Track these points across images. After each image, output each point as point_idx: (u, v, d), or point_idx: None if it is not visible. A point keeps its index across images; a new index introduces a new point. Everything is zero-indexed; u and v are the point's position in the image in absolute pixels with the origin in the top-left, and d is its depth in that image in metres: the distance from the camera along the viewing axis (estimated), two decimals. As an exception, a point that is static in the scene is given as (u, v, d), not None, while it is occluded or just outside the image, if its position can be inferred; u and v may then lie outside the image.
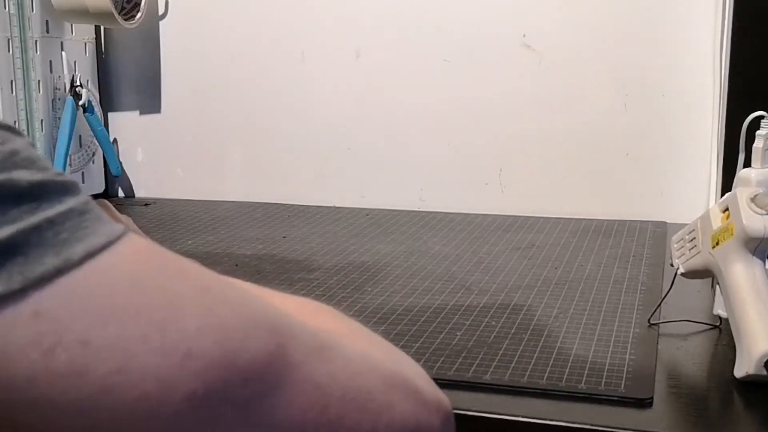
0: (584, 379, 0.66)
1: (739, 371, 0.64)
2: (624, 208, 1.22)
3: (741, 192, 0.70)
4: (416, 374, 0.45)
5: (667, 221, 1.17)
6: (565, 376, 0.67)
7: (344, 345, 0.41)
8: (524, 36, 1.24)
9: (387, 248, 1.07)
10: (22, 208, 0.32)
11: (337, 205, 1.32)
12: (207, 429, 0.34)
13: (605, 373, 0.67)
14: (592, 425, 0.60)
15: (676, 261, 0.77)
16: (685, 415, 0.62)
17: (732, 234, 0.69)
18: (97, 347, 0.32)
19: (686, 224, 0.77)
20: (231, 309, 0.36)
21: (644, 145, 1.22)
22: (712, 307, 0.78)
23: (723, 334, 0.75)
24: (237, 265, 1.00)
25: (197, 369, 0.33)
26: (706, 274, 0.73)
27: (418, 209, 1.28)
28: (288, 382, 0.36)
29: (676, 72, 1.19)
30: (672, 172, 1.21)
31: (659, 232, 1.12)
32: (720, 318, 0.76)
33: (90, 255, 0.33)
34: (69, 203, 0.34)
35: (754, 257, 0.68)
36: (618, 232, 1.13)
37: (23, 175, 0.33)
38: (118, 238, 0.34)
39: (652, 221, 1.17)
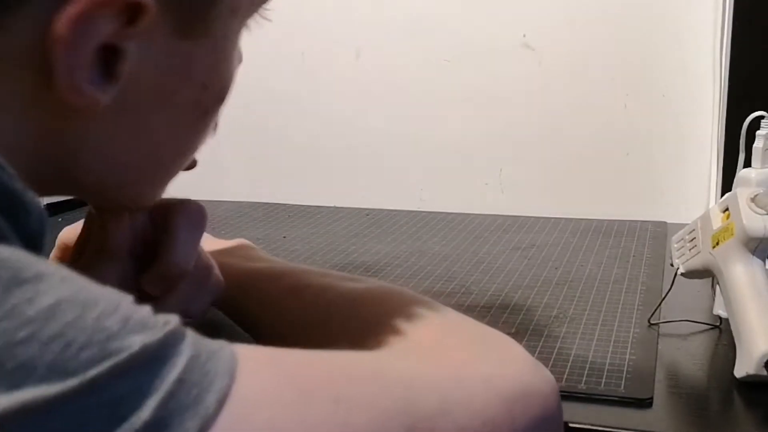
0: (584, 379, 0.66)
1: (740, 371, 0.64)
2: (624, 208, 1.21)
3: (741, 192, 0.70)
4: (517, 364, 0.46)
5: (667, 221, 1.16)
6: (564, 376, 0.67)
7: (460, 378, 0.42)
8: (524, 36, 1.24)
9: (387, 248, 1.07)
10: (152, 375, 0.30)
11: (337, 205, 1.31)
12: None
13: (605, 373, 0.67)
14: (591, 425, 0.60)
15: (676, 261, 0.77)
16: (685, 416, 0.62)
17: (732, 234, 0.69)
18: None
19: (686, 224, 0.77)
20: (361, 412, 0.35)
21: (644, 145, 1.21)
22: (712, 307, 0.78)
23: (723, 334, 0.75)
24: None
25: None
26: (706, 274, 0.73)
27: (418, 209, 1.28)
28: None
29: (677, 72, 1.18)
30: (672, 172, 1.21)
31: (659, 232, 1.12)
32: (720, 318, 0.76)
33: (221, 402, 0.31)
34: (186, 351, 0.31)
35: (754, 257, 0.68)
36: (618, 232, 1.13)
37: (137, 340, 0.30)
38: (236, 365, 0.33)
39: (652, 221, 1.17)
